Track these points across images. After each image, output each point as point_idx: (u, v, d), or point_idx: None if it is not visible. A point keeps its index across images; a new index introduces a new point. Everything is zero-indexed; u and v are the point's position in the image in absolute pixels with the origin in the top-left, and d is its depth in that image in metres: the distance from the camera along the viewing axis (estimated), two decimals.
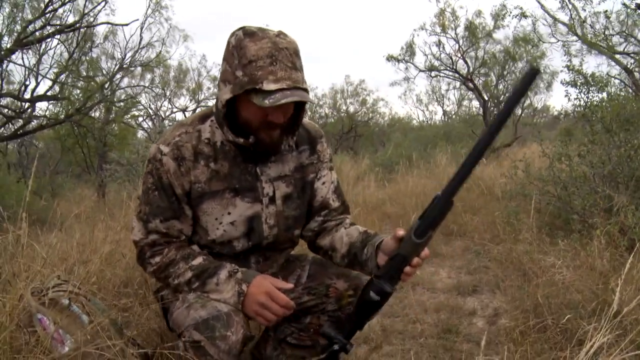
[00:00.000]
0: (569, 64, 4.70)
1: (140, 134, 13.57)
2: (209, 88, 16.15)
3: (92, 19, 7.94)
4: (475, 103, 15.19)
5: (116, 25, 8.61)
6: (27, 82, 8.20)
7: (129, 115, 11.58)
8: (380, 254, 1.43)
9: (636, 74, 4.80)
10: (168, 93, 14.87)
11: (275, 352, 1.71)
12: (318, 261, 1.69)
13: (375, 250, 1.44)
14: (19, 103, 8.72)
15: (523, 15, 7.17)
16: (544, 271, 2.47)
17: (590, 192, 3.40)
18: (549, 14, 6.27)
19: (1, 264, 1.71)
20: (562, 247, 2.64)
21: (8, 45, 7.30)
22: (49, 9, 7.40)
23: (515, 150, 11.25)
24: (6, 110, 8.47)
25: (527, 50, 13.11)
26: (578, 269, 2.35)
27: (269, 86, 1.28)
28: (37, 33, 7.48)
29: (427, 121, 18.86)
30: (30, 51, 8.01)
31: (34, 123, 8.52)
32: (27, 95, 8.27)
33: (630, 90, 4.68)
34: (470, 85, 13.95)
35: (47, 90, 8.11)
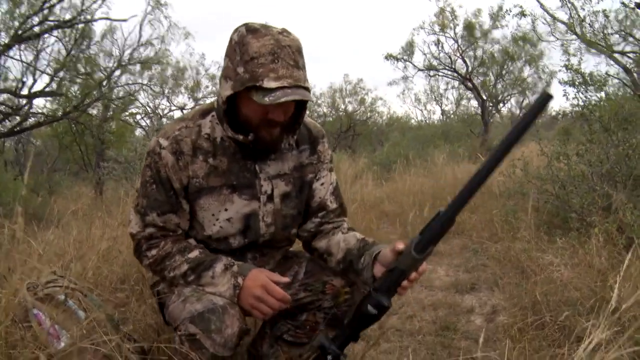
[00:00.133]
0: (567, 63, 4.70)
1: (139, 132, 13.54)
2: (207, 86, 16.12)
3: (89, 16, 7.91)
4: (474, 103, 15.22)
5: (114, 20, 8.59)
6: (25, 79, 8.19)
7: (127, 113, 11.57)
8: (377, 264, 1.42)
9: (635, 74, 4.80)
10: (167, 91, 14.84)
11: (271, 349, 1.70)
12: (315, 258, 1.68)
13: (372, 261, 1.43)
14: (16, 100, 8.69)
15: (522, 14, 7.16)
16: (542, 269, 2.46)
17: (589, 190, 3.39)
18: (548, 12, 6.29)
19: None
20: (560, 245, 2.64)
21: (5, 41, 7.27)
22: (46, 5, 7.37)
23: (513, 149, 11.24)
24: (3, 107, 8.43)
25: (526, 50, 13.13)
26: (576, 267, 2.34)
27: (269, 84, 1.27)
28: (35, 29, 7.46)
29: (426, 121, 18.88)
30: (27, 49, 7.99)
31: (32, 120, 8.50)
32: (25, 92, 8.25)
33: (628, 90, 4.68)
34: (469, 84, 13.98)
35: (45, 87, 8.10)
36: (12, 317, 1.41)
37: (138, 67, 10.87)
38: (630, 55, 5.13)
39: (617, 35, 5.02)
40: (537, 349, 1.79)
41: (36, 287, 1.53)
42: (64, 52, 8.11)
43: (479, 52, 13.77)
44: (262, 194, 1.50)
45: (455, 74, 14.30)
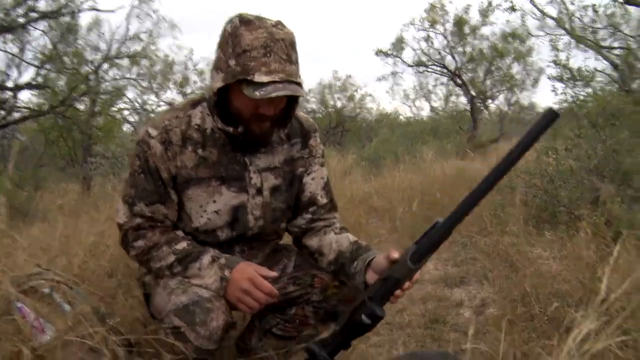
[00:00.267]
0: (555, 58, 4.74)
1: (127, 127, 13.42)
2: (195, 82, 16.00)
3: (76, 8, 7.79)
4: (463, 99, 15.26)
5: (102, 11, 8.48)
6: (9, 72, 8.06)
7: (115, 108, 11.45)
8: (370, 271, 1.41)
9: (623, 68, 4.84)
10: (155, 86, 14.72)
11: (260, 343, 1.68)
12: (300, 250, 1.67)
13: (365, 267, 1.42)
14: (0, 93, 8.55)
15: (512, 8, 7.21)
16: (531, 262, 2.47)
17: (577, 185, 3.42)
18: (537, 7, 6.32)
19: None
20: (549, 238, 2.65)
21: None
22: None
23: (501, 145, 11.32)
24: None
25: (515, 47, 13.19)
26: (565, 260, 2.35)
27: (260, 78, 1.26)
28: (20, 19, 7.34)
29: (415, 117, 18.91)
30: (13, 42, 7.87)
31: (17, 114, 8.37)
32: (10, 85, 8.12)
33: (616, 85, 4.72)
34: (459, 81, 14.02)
35: (31, 81, 7.97)
36: None
37: (126, 62, 10.77)
38: (618, 52, 5.17)
39: (605, 31, 5.06)
40: (526, 341, 1.79)
41: (20, 279, 1.51)
42: (50, 46, 8.00)
43: (468, 49, 13.83)
44: (251, 187, 1.48)
45: (445, 70, 14.34)
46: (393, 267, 1.31)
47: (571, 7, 5.21)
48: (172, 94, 15.24)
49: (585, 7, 5.10)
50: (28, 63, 7.83)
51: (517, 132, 13.61)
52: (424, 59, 14.22)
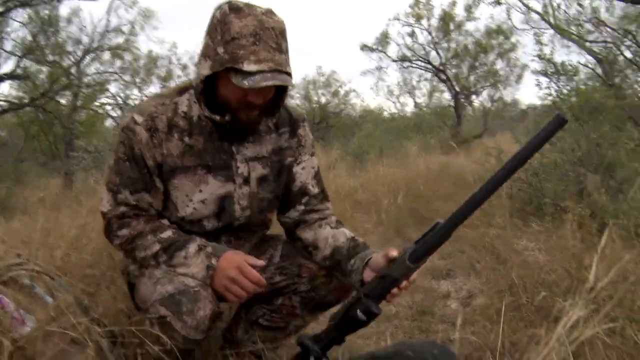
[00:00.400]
0: (540, 52, 4.76)
1: (109, 122, 13.27)
2: (179, 76, 15.86)
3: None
4: (446, 95, 15.34)
5: (83, 0, 8.36)
6: None
7: (97, 103, 11.32)
8: (367, 269, 1.40)
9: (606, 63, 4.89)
10: (138, 81, 14.56)
11: (246, 334, 1.66)
12: (291, 241, 1.65)
13: (363, 266, 1.41)
14: None
15: (497, 2, 7.26)
16: (517, 253, 2.48)
17: (562, 177, 3.44)
18: (522, 1, 6.36)
19: None
20: (535, 229, 2.66)
21: None
22: None
23: (484, 141, 11.40)
24: None
25: (499, 42, 13.29)
26: (551, 251, 2.36)
27: (249, 67, 1.23)
28: None
29: (399, 113, 18.95)
30: None
31: None
32: None
33: (600, 79, 4.76)
34: (443, 76, 14.08)
35: (11, 73, 7.82)
36: None
37: (108, 55, 10.62)
38: (599, 46, 5.22)
39: (589, 24, 5.11)
40: (514, 330, 1.79)
41: (0, 270, 1.47)
42: (29, 37, 7.87)
43: (453, 45, 13.89)
44: (238, 176, 1.45)
45: (429, 66, 14.39)
46: (391, 266, 1.31)
47: (556, 0, 5.26)
48: (155, 89, 15.08)
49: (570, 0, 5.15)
50: (9, 52, 7.68)
51: (500, 128, 13.75)
52: (408, 54, 14.27)
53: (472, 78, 14.53)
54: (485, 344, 1.76)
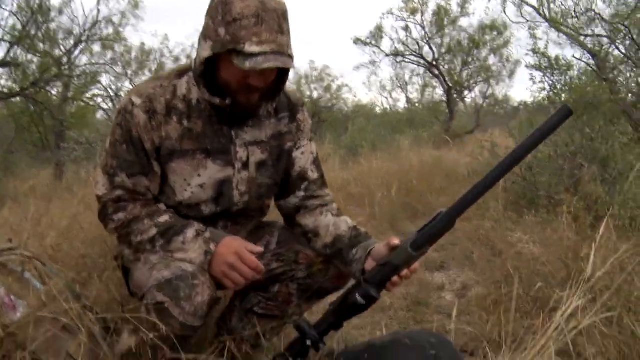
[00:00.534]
0: (534, 47, 4.77)
1: (100, 114, 13.16)
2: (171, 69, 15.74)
3: None
4: (439, 91, 15.35)
5: None
6: None
7: (89, 95, 11.21)
8: (369, 259, 1.40)
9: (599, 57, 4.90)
10: (130, 73, 14.44)
11: (241, 323, 1.63)
12: (288, 227, 1.62)
13: (366, 255, 1.41)
14: None
15: None
16: (512, 245, 2.48)
17: (556, 171, 3.44)
18: None
19: None
20: (529, 221, 2.67)
21: None
22: None
23: (477, 136, 11.41)
24: None
25: (492, 38, 13.31)
26: (546, 243, 2.36)
27: (251, 48, 1.21)
28: None
29: (391, 108, 18.95)
30: None
31: None
32: None
33: (595, 74, 4.77)
34: (436, 71, 14.08)
35: (2, 60, 7.72)
36: None
37: (99, 47, 10.51)
38: (594, 40, 5.22)
39: (585, 17, 5.11)
40: (510, 321, 1.79)
41: None
42: (19, 27, 7.77)
43: (447, 40, 13.90)
44: (237, 161, 1.43)
45: (422, 61, 14.39)
46: (393, 254, 1.30)
47: None
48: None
49: None
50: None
51: (492, 124, 13.77)
52: (401, 48, 14.26)
53: (464, 73, 14.56)
54: (481, 334, 1.75)
